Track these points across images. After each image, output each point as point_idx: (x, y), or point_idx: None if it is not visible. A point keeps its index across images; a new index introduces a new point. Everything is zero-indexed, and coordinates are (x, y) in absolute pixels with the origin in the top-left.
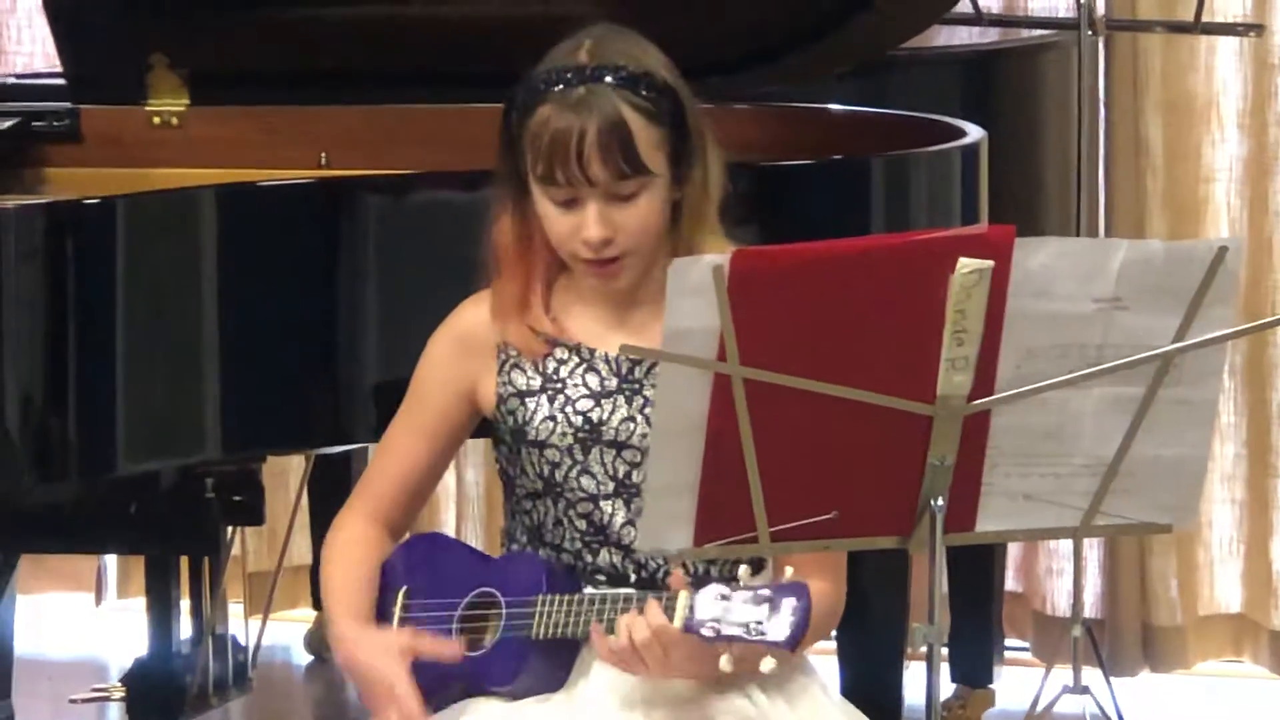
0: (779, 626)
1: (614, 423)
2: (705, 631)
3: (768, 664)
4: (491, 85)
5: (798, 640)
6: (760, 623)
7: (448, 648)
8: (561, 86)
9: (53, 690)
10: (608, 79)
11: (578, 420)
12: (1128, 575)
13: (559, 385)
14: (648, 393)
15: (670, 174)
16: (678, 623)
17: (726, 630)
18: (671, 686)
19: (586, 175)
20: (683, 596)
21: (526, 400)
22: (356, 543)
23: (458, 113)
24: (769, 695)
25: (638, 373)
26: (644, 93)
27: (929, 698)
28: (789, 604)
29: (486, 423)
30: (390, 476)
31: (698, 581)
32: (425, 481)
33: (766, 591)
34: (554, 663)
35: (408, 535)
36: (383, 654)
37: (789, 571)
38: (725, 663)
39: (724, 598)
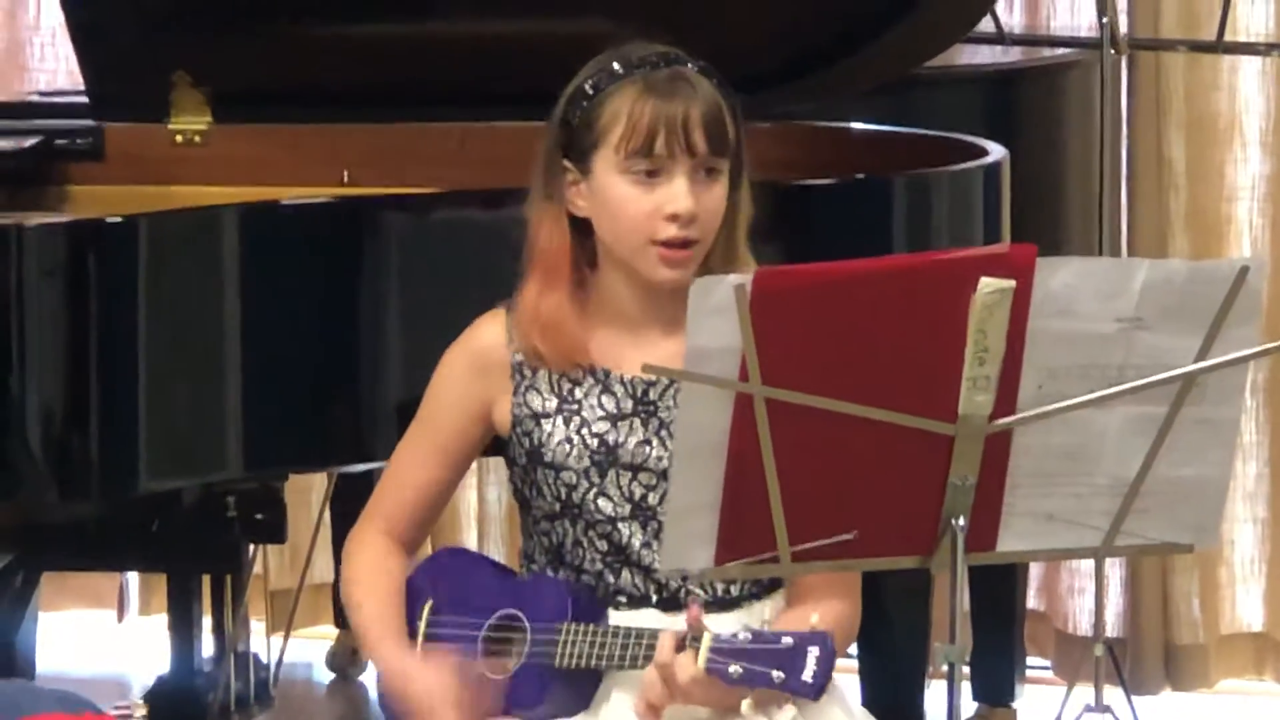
0: (805, 675)
1: (630, 445)
2: (730, 673)
3: (788, 712)
4: (515, 104)
5: (821, 689)
6: (784, 671)
7: (487, 696)
8: (648, 69)
9: None
10: (690, 65)
11: (594, 443)
12: (1150, 594)
13: (575, 407)
14: (663, 415)
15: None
16: (701, 664)
17: (751, 675)
18: (696, 711)
19: (689, 144)
20: (706, 637)
21: (542, 422)
22: (382, 563)
23: (481, 131)
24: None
25: (653, 395)
26: (719, 85)
27: (951, 716)
28: (813, 653)
29: (500, 441)
30: (404, 494)
31: (718, 602)
32: (439, 499)
33: (790, 639)
34: (578, 686)
35: (434, 549)
36: (438, 693)
37: (814, 619)
38: (746, 708)
39: (749, 641)
